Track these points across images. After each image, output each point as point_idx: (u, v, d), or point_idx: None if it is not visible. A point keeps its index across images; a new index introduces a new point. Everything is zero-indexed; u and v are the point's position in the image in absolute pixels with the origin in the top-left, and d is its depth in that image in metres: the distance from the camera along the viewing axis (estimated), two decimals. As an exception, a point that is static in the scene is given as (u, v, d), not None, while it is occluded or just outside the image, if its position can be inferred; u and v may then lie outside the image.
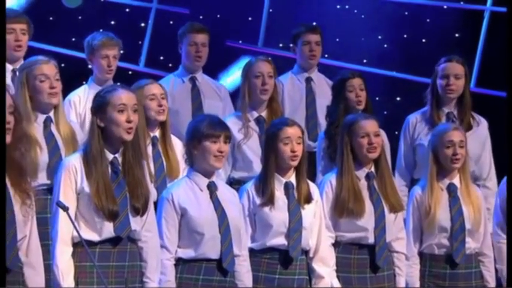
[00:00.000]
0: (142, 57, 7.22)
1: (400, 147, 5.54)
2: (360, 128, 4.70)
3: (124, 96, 4.04)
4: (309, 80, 5.98)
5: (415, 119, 5.51)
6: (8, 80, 5.02)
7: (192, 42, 5.78)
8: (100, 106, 4.04)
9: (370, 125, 4.72)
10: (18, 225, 3.64)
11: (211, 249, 4.25)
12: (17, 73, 4.89)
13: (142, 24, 7.28)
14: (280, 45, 7.39)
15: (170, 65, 7.20)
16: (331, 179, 4.72)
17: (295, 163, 4.52)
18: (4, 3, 4.17)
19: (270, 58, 5.46)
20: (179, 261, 4.26)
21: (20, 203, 3.66)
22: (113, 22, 7.09)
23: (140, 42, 7.21)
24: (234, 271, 4.32)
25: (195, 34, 5.78)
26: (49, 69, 4.65)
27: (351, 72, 5.57)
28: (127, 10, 7.24)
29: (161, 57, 7.25)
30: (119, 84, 4.25)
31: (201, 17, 7.19)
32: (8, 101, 3.61)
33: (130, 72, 7.02)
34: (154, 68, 7.24)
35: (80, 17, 7.02)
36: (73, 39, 6.92)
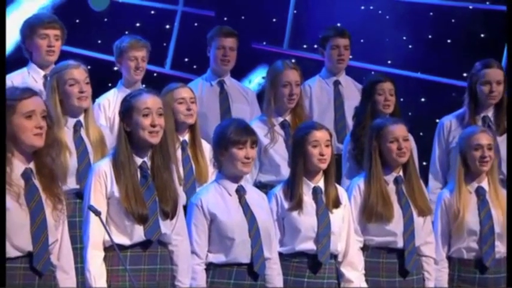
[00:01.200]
0: (168, 59, 7.26)
1: (434, 151, 5.55)
2: (389, 132, 4.70)
3: (149, 100, 4.09)
4: (337, 84, 6.01)
5: (449, 123, 5.50)
6: (40, 85, 5.07)
7: (220, 46, 5.83)
8: (126, 111, 4.11)
9: (399, 130, 4.72)
10: (49, 230, 3.69)
11: (242, 253, 4.28)
12: (48, 78, 4.95)
13: (167, 26, 7.32)
14: (304, 46, 7.41)
15: (195, 66, 7.25)
16: (359, 183, 4.73)
17: (324, 166, 4.53)
18: (4, 3, 4.20)
19: (296, 64, 5.44)
20: (210, 266, 4.30)
21: (51, 208, 3.72)
22: (138, 24, 7.13)
23: (165, 44, 7.24)
24: (265, 274, 4.35)
25: (224, 38, 5.84)
26: (79, 73, 4.70)
27: (383, 76, 5.57)
28: (152, 12, 7.28)
29: (186, 59, 7.29)
30: (145, 88, 4.28)
31: (225, 19, 7.23)
32: (41, 106, 3.67)
33: (155, 74, 7.06)
34: (180, 70, 7.28)
35: (105, 20, 7.08)
36: (99, 41, 6.97)
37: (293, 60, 7.11)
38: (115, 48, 5.60)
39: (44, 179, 3.71)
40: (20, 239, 3.63)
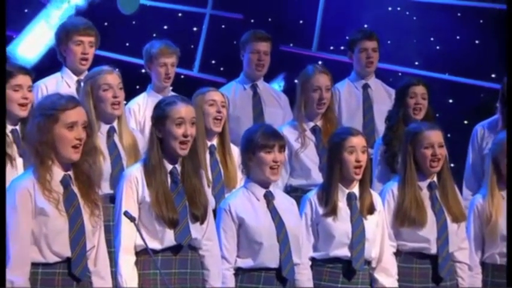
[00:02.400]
0: (197, 62, 7.31)
1: (469, 157, 5.58)
2: (424, 138, 4.72)
3: (183, 109, 4.16)
4: (366, 87, 6.05)
5: (482, 129, 5.54)
6: (73, 90, 5.14)
7: (254, 50, 5.89)
8: (159, 118, 4.17)
9: (434, 136, 4.74)
10: (87, 235, 3.78)
11: (270, 258, 4.33)
12: (82, 83, 5.03)
13: (195, 29, 7.37)
14: (331, 47, 7.44)
15: (222, 69, 7.30)
16: (393, 188, 4.75)
17: (359, 173, 4.56)
18: (4, 4, 4.25)
19: (327, 69, 5.47)
20: (239, 271, 4.35)
21: (89, 214, 3.80)
22: (165, 27, 7.19)
23: (192, 46, 7.30)
24: (294, 280, 4.39)
25: (258, 42, 5.90)
26: (113, 78, 4.77)
27: (416, 79, 5.60)
28: (179, 15, 7.34)
29: (213, 61, 7.34)
30: (179, 96, 4.34)
31: (252, 21, 7.27)
32: (83, 117, 3.75)
33: (182, 77, 7.12)
34: (208, 73, 7.33)
35: (133, 22, 7.14)
36: (127, 44, 7.04)
37: (320, 62, 7.18)
38: (144, 52, 5.67)
39: (82, 185, 3.79)
40: (58, 245, 3.72)
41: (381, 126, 5.72)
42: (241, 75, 6.02)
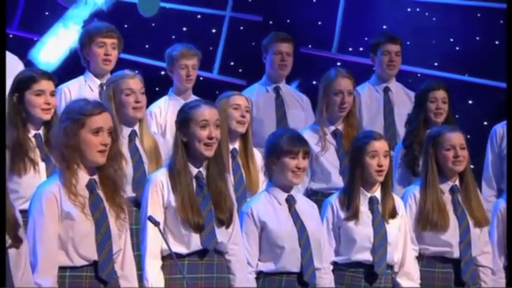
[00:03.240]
0: (216, 64, 7.36)
1: (487, 157, 5.61)
2: (446, 140, 4.75)
3: (207, 112, 4.21)
4: (387, 90, 6.09)
5: (501, 129, 5.56)
6: (96, 94, 5.21)
7: (277, 52, 5.95)
8: (183, 121, 4.22)
9: (456, 137, 4.76)
10: (113, 239, 3.86)
11: (292, 262, 4.38)
12: (104, 87, 5.10)
13: (213, 31, 7.42)
14: (350, 49, 7.47)
15: (240, 70, 7.34)
16: (415, 191, 4.79)
17: (381, 177, 4.60)
18: (4, 4, 4.30)
19: (350, 73, 5.50)
20: (260, 275, 4.40)
21: (114, 217, 3.88)
22: (184, 29, 7.24)
23: (211, 48, 7.35)
24: (315, 284, 4.43)
25: (280, 43, 5.96)
26: (135, 83, 4.83)
27: (436, 84, 5.62)
28: (198, 17, 7.39)
29: (232, 63, 7.38)
30: (202, 99, 4.39)
31: (270, 22, 7.31)
32: (109, 122, 3.82)
33: (201, 78, 7.18)
34: (227, 75, 7.38)
35: (153, 24, 7.19)
36: (146, 46, 7.09)
37: (339, 64, 7.21)
38: (167, 55, 5.73)
39: (108, 189, 3.87)
40: (85, 248, 3.80)
41: (401, 130, 5.76)
42: (264, 77, 6.08)
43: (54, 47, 6.94)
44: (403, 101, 5.96)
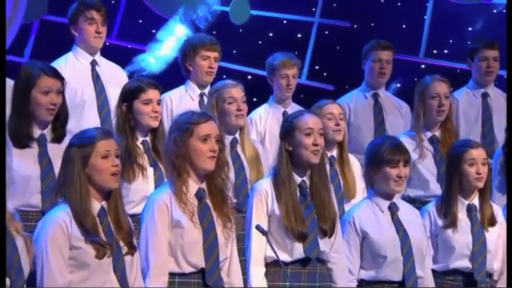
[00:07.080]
0: (305, 70, 7.51)
1: None
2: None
3: (310, 120, 4.43)
4: (485, 96, 6.15)
5: None
6: (196, 103, 5.45)
7: (377, 59, 6.10)
8: (288, 131, 4.44)
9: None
10: (220, 247, 4.12)
11: (394, 271, 4.53)
12: (205, 97, 5.42)
13: (299, 36, 7.56)
14: (434, 51, 7.52)
15: (325, 74, 7.47)
16: None
17: (481, 184, 4.74)
18: (4, 4, 4.44)
19: (445, 78, 5.60)
20: (361, 283, 4.57)
21: (221, 226, 4.15)
22: (271, 34, 7.42)
23: (296, 53, 7.50)
24: (417, 292, 4.61)
25: (381, 51, 6.11)
26: (237, 92, 5.11)
27: None
28: (284, 22, 7.57)
29: (316, 67, 7.51)
30: (304, 109, 4.56)
31: (355, 26, 7.42)
32: (216, 130, 4.08)
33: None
34: (315, 81, 7.53)
35: (240, 30, 7.38)
36: (234, 51, 7.29)
37: (423, 66, 7.25)
38: (267, 65, 5.97)
39: (215, 199, 4.14)
40: (193, 256, 4.07)
41: (500, 136, 5.82)
42: (363, 84, 6.21)
43: (158, 57, 7.20)
44: (502, 106, 5.99)
